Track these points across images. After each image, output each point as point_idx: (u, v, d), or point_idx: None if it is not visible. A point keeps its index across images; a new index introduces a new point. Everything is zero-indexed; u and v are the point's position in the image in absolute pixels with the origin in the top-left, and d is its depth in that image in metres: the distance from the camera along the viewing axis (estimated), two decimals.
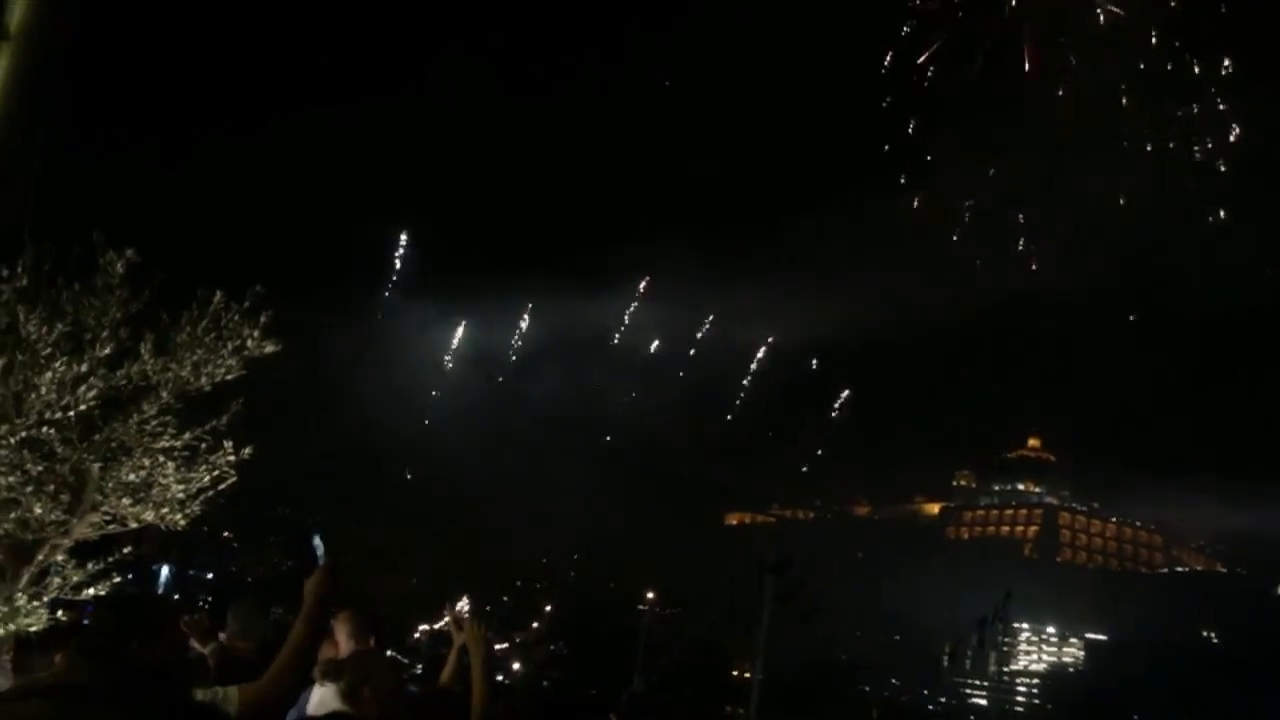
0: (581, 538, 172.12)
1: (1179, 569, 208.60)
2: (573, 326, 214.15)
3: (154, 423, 11.85)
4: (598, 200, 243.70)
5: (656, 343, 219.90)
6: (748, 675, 65.13)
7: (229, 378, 12.21)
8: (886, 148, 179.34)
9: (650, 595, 76.85)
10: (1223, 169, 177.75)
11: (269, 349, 12.36)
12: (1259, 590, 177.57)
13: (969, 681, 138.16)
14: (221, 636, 7.82)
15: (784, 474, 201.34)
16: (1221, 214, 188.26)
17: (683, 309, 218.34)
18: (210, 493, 12.31)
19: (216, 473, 12.24)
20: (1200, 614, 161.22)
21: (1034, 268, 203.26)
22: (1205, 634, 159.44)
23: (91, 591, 12.14)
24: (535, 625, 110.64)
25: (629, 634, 71.22)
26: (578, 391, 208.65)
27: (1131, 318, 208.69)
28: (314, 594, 5.10)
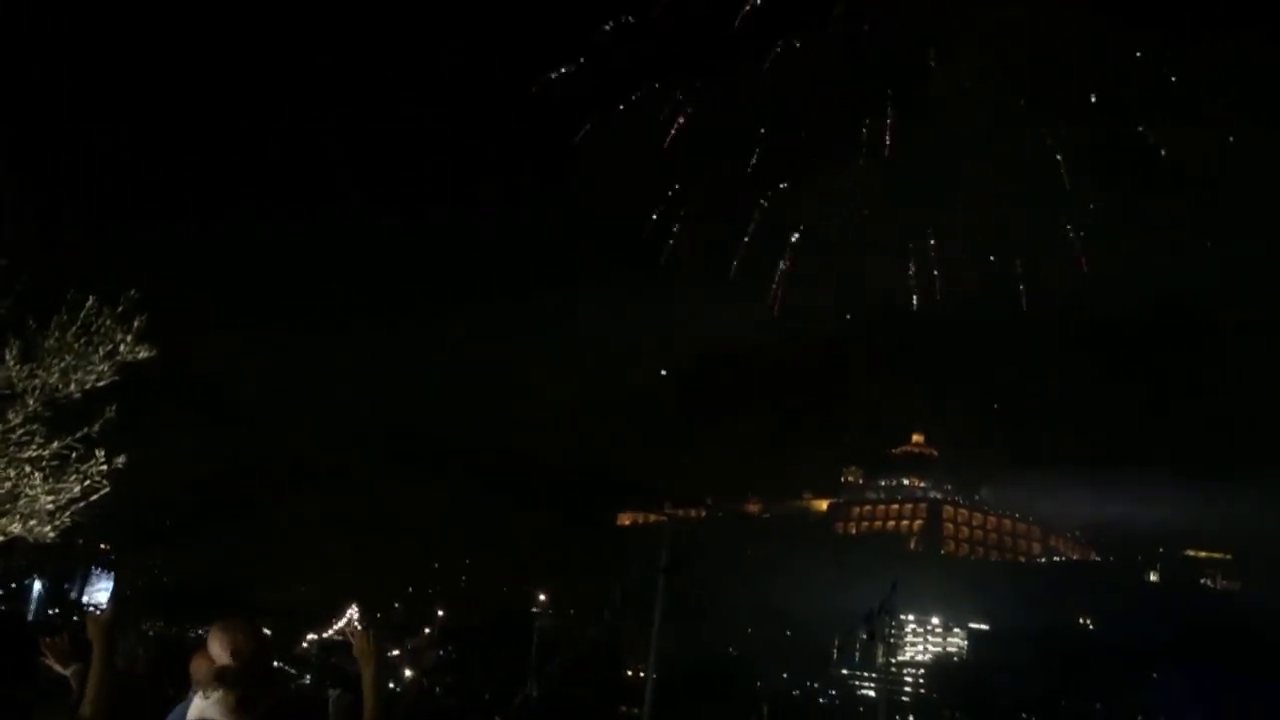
0: (474, 542, 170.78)
1: (1056, 558, 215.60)
2: (475, 332, 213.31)
3: (20, 431, 11.41)
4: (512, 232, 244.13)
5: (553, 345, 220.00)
6: (642, 674, 65.27)
7: (100, 384, 11.79)
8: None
9: (543, 598, 76.55)
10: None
11: (143, 355, 11.98)
12: (1131, 577, 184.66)
13: (858, 673, 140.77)
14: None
15: (676, 474, 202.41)
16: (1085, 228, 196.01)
17: (582, 314, 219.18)
18: (81, 504, 11.88)
19: (88, 483, 11.80)
20: (1077, 601, 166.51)
21: (915, 271, 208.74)
22: (1082, 620, 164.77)
23: None
24: (426, 630, 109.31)
25: (522, 637, 70.89)
26: (472, 396, 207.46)
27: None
28: (101, 626, 5.39)
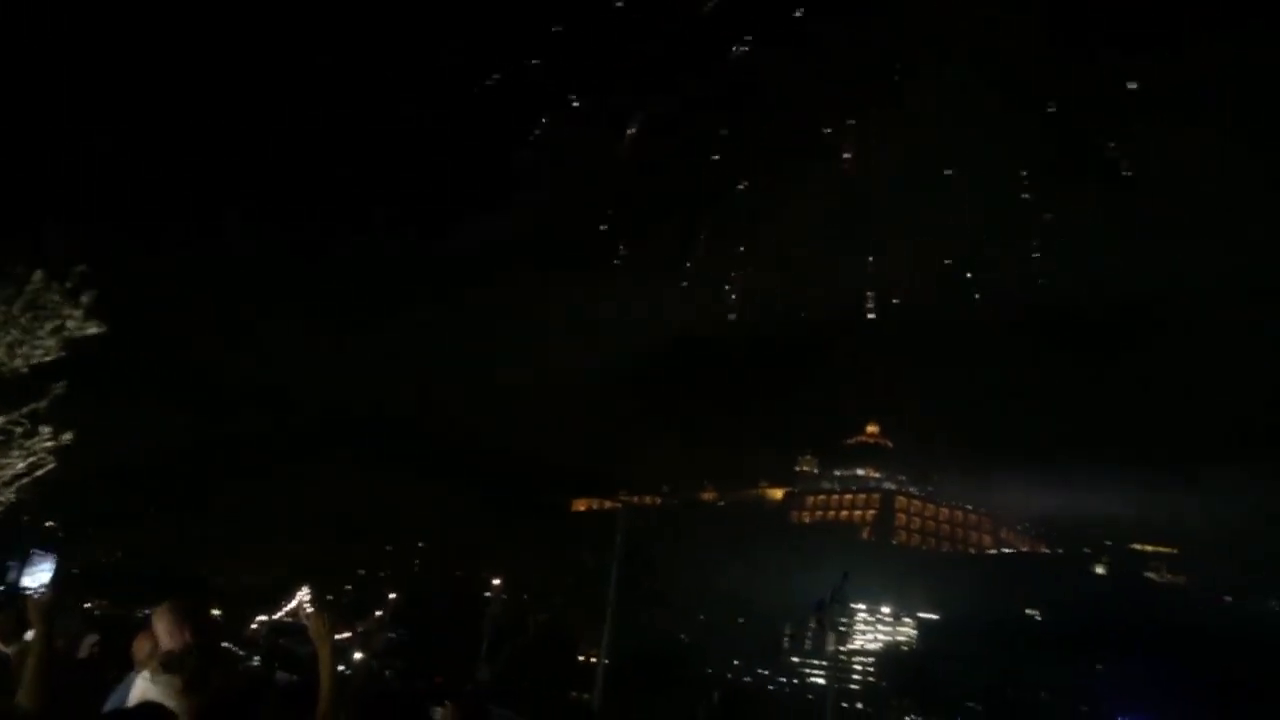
0: (428, 526, 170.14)
1: (1006, 550, 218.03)
2: (439, 322, 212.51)
3: None
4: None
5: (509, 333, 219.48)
6: (594, 660, 65.33)
7: (48, 359, 11.60)
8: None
9: (496, 582, 76.30)
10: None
11: (92, 330, 11.79)
12: (1079, 569, 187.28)
13: (809, 661, 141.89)
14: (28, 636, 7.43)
15: (633, 461, 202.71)
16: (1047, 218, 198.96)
17: (544, 305, 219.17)
18: (26, 479, 11.67)
19: (33, 459, 11.61)
20: (1026, 592, 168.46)
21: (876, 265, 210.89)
22: (1030, 611, 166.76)
23: None
24: (378, 614, 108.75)
25: (475, 621, 70.70)
26: (433, 383, 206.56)
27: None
28: (40, 609, 5.42)
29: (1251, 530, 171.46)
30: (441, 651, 75.71)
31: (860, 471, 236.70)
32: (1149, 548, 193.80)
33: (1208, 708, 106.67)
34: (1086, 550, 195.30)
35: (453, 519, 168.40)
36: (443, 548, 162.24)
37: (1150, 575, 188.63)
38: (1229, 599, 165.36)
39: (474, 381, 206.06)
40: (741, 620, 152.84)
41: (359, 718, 6.94)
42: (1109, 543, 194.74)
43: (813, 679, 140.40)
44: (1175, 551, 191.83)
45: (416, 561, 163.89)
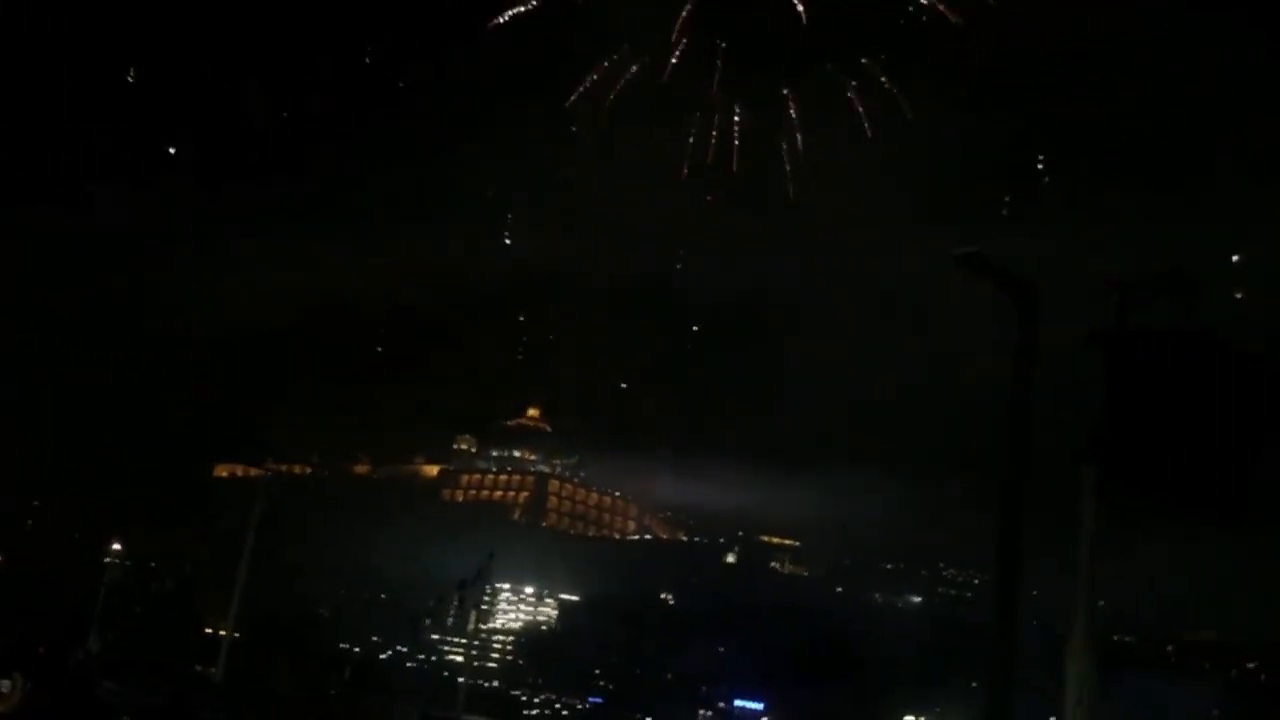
0: (45, 481, 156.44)
1: (648, 537, 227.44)
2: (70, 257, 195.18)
3: None
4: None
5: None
6: (223, 632, 62.32)
7: None
8: None
9: (117, 546, 71.05)
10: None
11: None
12: (712, 557, 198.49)
13: (448, 639, 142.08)
14: None
15: (282, 428, 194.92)
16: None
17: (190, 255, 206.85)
18: None
19: None
20: (663, 577, 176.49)
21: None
22: (664, 595, 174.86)
23: None
24: None
25: (91, 588, 65.73)
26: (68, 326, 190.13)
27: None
28: None
29: (861, 527, 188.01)
30: (49, 618, 69.93)
31: (517, 453, 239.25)
32: (775, 540, 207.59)
33: (811, 685, 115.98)
34: (721, 540, 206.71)
35: (74, 476, 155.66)
36: (60, 507, 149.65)
37: (775, 565, 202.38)
38: (840, 590, 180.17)
39: (115, 332, 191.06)
40: (384, 595, 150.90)
41: None
42: (740, 533, 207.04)
43: (451, 656, 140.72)
44: (798, 544, 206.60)
45: (29, 521, 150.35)
